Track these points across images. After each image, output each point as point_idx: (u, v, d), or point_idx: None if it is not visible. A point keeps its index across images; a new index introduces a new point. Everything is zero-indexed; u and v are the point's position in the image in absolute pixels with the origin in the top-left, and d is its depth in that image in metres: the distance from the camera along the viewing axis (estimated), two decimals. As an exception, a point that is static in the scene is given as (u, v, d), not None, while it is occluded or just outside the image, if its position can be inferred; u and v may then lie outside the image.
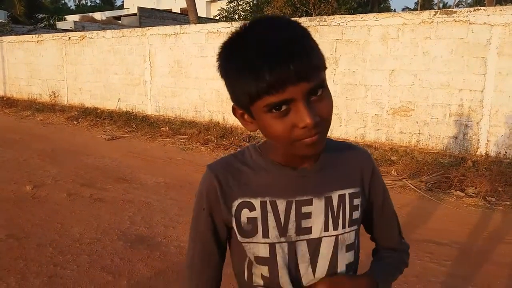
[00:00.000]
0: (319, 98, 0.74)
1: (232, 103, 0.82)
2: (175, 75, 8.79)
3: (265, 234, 0.84)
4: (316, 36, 6.21)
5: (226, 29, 7.70)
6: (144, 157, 6.61)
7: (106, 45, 10.15)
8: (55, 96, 11.89)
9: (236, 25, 7.49)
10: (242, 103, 0.78)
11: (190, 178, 5.40)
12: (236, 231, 0.87)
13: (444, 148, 5.93)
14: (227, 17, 12.13)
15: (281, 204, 0.84)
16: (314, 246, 0.86)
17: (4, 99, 13.45)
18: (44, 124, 9.75)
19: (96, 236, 3.52)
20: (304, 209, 0.85)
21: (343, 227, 0.87)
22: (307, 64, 0.70)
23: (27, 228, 3.65)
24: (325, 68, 0.75)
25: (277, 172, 0.86)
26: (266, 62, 0.69)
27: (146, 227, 3.77)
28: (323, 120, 0.74)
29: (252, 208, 0.85)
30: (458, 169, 5.29)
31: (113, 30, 10.41)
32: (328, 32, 6.57)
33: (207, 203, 0.89)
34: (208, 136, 7.74)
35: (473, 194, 4.75)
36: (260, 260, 0.86)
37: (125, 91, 9.91)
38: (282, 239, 0.84)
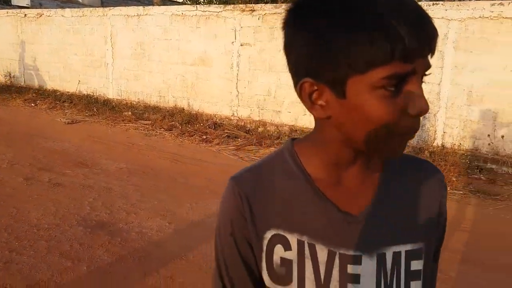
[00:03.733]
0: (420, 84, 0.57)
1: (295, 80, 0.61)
2: (138, 57, 8.58)
3: (301, 286, 0.63)
4: (265, 23, 6.23)
5: (191, 12, 7.57)
6: (106, 142, 6.46)
7: (65, 25, 9.73)
8: (10, 77, 11.31)
9: (201, 9, 7.39)
10: (338, 73, 0.55)
11: (153, 164, 5.34)
12: (266, 272, 0.66)
13: (403, 138, 6.13)
14: (192, 0, 11.90)
15: (322, 252, 0.63)
16: None
17: (-46, 78, 12.67)
18: (-2, 106, 9.29)
19: (55, 222, 3.43)
20: (351, 269, 0.62)
21: None
22: (437, 35, 0.56)
23: (-20, 214, 3.51)
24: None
25: (319, 203, 0.64)
26: (407, 22, 0.52)
27: (107, 212, 3.71)
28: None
29: (287, 246, 0.64)
30: (415, 159, 5.51)
31: (72, 9, 9.98)
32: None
33: (236, 224, 0.67)
34: (173, 122, 7.65)
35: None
36: None
37: (86, 73, 9.58)
38: None
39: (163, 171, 5.03)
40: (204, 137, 6.96)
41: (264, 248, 0.65)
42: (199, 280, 2.73)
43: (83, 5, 21.19)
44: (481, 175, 5.25)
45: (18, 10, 11.27)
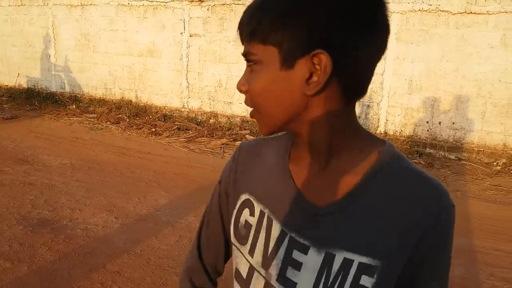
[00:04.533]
0: (251, 69, 0.61)
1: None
2: (82, 49, 8.24)
3: (251, 251, 0.67)
4: (231, 15, 6.22)
5: (138, 2, 7.35)
6: (48, 137, 6.17)
7: (2, 14, 9.14)
8: None
9: (148, -1, 7.20)
10: None
11: (99, 159, 5.18)
12: (232, 229, 0.71)
13: (349, 126, 6.34)
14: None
15: (276, 229, 0.65)
16: None
17: None
18: None
19: (-9, 222, 3.25)
20: (296, 255, 0.62)
21: None
22: (244, 23, 0.61)
23: None
24: (266, 41, 0.58)
25: (287, 184, 0.66)
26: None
27: (50, 210, 3.56)
28: (250, 95, 0.61)
29: (252, 212, 0.68)
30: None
31: (9, -3, 9.37)
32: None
33: (223, 177, 0.77)
34: (120, 115, 7.44)
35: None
36: (238, 277, 0.71)
37: (26, 66, 9.07)
38: (262, 271, 0.65)
39: (109, 166, 4.90)
40: (153, 129, 6.83)
41: (237, 207, 0.71)
42: (147, 274, 2.70)
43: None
44: (421, 159, 5.55)
45: None
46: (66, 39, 8.42)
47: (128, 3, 7.46)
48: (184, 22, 6.95)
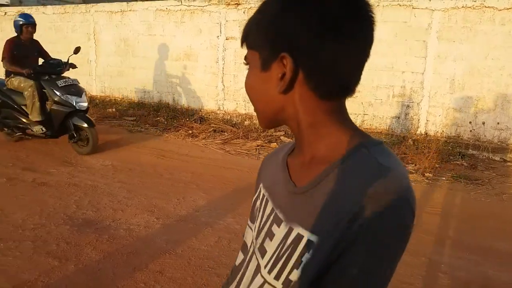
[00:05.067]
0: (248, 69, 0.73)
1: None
2: (122, 54, 8.48)
3: (255, 227, 0.78)
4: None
5: (175, 7, 7.50)
6: (91, 140, 6.38)
7: (47, 22, 9.55)
8: (-10, 76, 11.08)
9: (186, 3, 7.33)
10: None
11: (139, 161, 5.30)
12: (250, 213, 0.86)
13: (387, 127, 6.21)
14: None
15: (269, 207, 0.74)
16: (254, 276, 0.71)
17: None
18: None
19: (40, 222, 3.39)
20: (274, 228, 0.70)
21: (276, 277, 0.64)
22: (243, 32, 0.72)
23: (-37, 216, 3.45)
24: (252, 47, 0.69)
25: (282, 171, 0.76)
26: None
27: (94, 210, 3.68)
28: (246, 92, 0.73)
29: (261, 198, 0.80)
30: (400, 148, 5.58)
31: (54, 6, 9.80)
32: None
33: (258, 175, 0.89)
34: (158, 118, 7.60)
35: (413, 171, 5.04)
36: (243, 247, 0.82)
37: (69, 71, 9.43)
38: (255, 242, 0.75)
39: (149, 167, 5.00)
40: (190, 132, 6.94)
41: (255, 196, 0.83)
42: (188, 274, 2.73)
43: (64, 2, 20.83)
44: (463, 161, 5.35)
45: (-3, 8, 11.02)
46: (106, 45, 8.69)
47: (166, 8, 7.62)
48: (220, 26, 7.03)
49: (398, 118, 6.12)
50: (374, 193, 0.57)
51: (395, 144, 5.76)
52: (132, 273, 2.71)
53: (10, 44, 5.64)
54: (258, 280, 0.68)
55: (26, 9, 10.02)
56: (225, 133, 6.80)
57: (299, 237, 0.62)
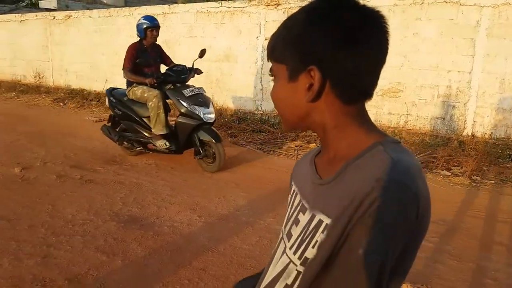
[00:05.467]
0: (274, 81, 0.80)
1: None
2: (163, 56, 8.67)
3: (284, 222, 0.88)
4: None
5: (216, 9, 7.59)
6: (134, 139, 6.56)
7: (93, 25, 9.94)
8: (40, 77, 11.65)
9: (226, 5, 7.40)
10: None
11: (181, 160, 5.39)
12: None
13: (432, 128, 6.01)
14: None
15: (297, 200, 0.84)
16: (280, 257, 0.81)
17: (-13, 80, 13.14)
18: (29, 106, 9.58)
19: (89, 217, 3.52)
20: (299, 215, 0.80)
21: (299, 257, 0.74)
22: (269, 47, 0.79)
23: (18, 210, 3.63)
24: (278, 60, 0.77)
25: (310, 168, 0.84)
26: None
27: (139, 207, 3.78)
28: (272, 101, 0.81)
29: (291, 193, 0.90)
30: (445, 149, 5.39)
31: (99, 10, 10.17)
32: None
33: (291, 175, 0.98)
34: (198, 118, 7.71)
35: (459, 173, 4.85)
36: (279, 238, 0.89)
37: (113, 72, 9.75)
38: (283, 230, 0.85)
39: (190, 166, 5.09)
40: (229, 132, 7.00)
41: (290, 193, 0.91)
42: (231, 272, 2.75)
43: (107, 6, 21.61)
44: (515, 164, 5.09)
45: (47, 13, 11.57)
46: (148, 47, 8.91)
47: (207, 10, 7.73)
48: (260, 26, 7.05)
49: (443, 119, 5.91)
50: (380, 181, 0.63)
51: (440, 145, 5.57)
52: (176, 270, 2.76)
53: (133, 51, 5.18)
54: (284, 259, 0.78)
55: (74, 13, 10.47)
56: (263, 133, 6.81)
57: (319, 222, 0.71)
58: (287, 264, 0.77)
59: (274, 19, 6.84)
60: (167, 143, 4.98)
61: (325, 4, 0.71)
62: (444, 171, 4.94)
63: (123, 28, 9.30)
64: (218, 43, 7.71)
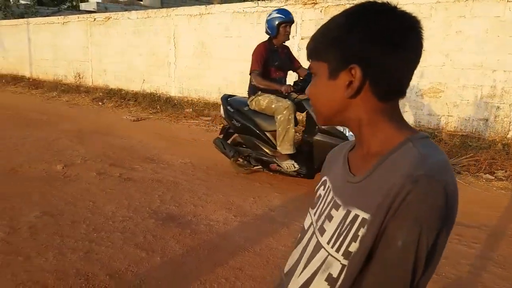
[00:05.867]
0: (312, 79, 0.86)
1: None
2: (199, 56, 8.78)
3: (315, 212, 0.91)
4: (327, 16, 6.08)
5: (252, 9, 7.61)
6: (169, 138, 6.68)
7: (131, 26, 10.18)
8: (80, 77, 12.07)
9: (262, 4, 7.40)
10: None
11: (216, 159, 5.43)
12: (313, 201, 0.99)
13: (474, 130, 5.78)
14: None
15: (330, 196, 0.88)
16: (315, 251, 0.84)
17: (30, 80, 13.74)
18: (70, 105, 9.94)
19: (128, 214, 3.60)
20: (332, 212, 0.84)
21: (337, 250, 0.77)
22: (308, 47, 0.85)
23: (61, 206, 3.76)
24: (319, 59, 0.82)
25: (343, 164, 0.90)
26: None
27: (176, 205, 3.83)
28: (309, 97, 0.86)
29: (324, 187, 0.94)
30: (488, 152, 5.17)
31: (138, 11, 10.41)
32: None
33: (322, 169, 1.03)
34: (232, 118, 7.75)
35: (503, 178, 4.65)
36: (302, 230, 0.95)
37: (150, 72, 9.97)
38: (314, 224, 0.89)
39: (225, 166, 5.11)
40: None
41: (318, 184, 0.97)
42: (267, 273, 2.74)
43: (144, 7, 22.13)
44: None
45: (88, 15, 11.96)
46: (185, 47, 9.05)
47: (243, 10, 7.75)
48: (296, 25, 7.00)
49: (486, 120, 5.67)
50: (412, 176, 0.68)
51: (482, 148, 5.34)
52: (214, 268, 2.77)
53: (263, 51, 4.36)
54: (322, 254, 0.81)
55: (113, 15, 10.76)
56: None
57: (355, 217, 0.76)
58: (325, 258, 0.80)
59: (311, 18, 6.77)
60: (296, 165, 4.24)
61: (366, 8, 0.78)
62: (487, 174, 4.75)
63: (160, 29, 9.48)
64: (254, 42, 7.69)
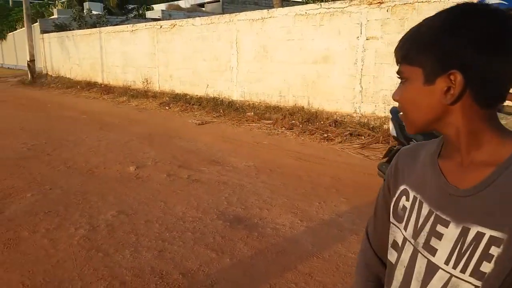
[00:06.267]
0: (402, 84, 0.82)
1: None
2: (261, 60, 8.87)
3: (405, 227, 0.87)
4: (413, 14, 5.86)
5: (314, 11, 7.56)
6: (233, 141, 6.81)
7: (195, 32, 10.52)
8: (147, 83, 12.66)
9: (325, 6, 7.33)
10: None
11: (278, 162, 5.45)
12: (391, 211, 0.93)
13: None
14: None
15: (425, 209, 0.83)
16: (430, 272, 0.80)
17: (102, 86, 14.64)
18: (139, 109, 10.46)
19: (197, 215, 3.70)
20: (439, 228, 0.79)
21: (463, 271, 0.73)
22: (397, 51, 0.82)
23: (135, 206, 3.96)
24: (413, 63, 0.78)
25: (435, 174, 0.83)
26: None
27: (242, 208, 3.88)
28: (400, 103, 0.82)
29: (408, 198, 0.88)
30: None
31: (202, 17, 10.74)
32: (427, 10, 6.14)
33: (386, 176, 0.98)
34: (293, 121, 7.75)
35: None
36: (394, 245, 0.91)
37: (213, 77, 10.23)
38: (412, 241, 0.84)
39: (288, 169, 5.11)
40: (325, 135, 6.91)
41: (396, 195, 0.91)
42: (338, 280, 2.69)
43: (206, 13, 22.79)
44: None
45: (154, 23, 12.53)
46: (246, 52, 9.19)
47: (305, 12, 7.72)
48: (361, 26, 6.85)
49: None
50: None
51: None
52: (282, 272, 2.77)
53: None
54: (441, 275, 0.76)
55: (178, 22, 11.18)
56: (362, 137, 6.60)
57: (479, 235, 0.71)
58: (448, 279, 0.76)
59: (377, 18, 6.59)
60: None
61: (464, 10, 0.74)
62: None
63: (223, 34, 9.70)
64: (316, 45, 7.66)
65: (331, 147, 6.38)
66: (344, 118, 7.34)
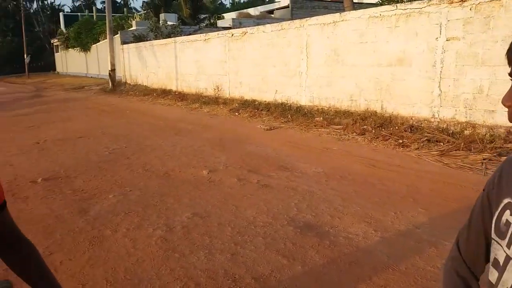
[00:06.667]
0: None
1: None
2: (331, 64, 8.73)
3: (509, 244, 0.79)
4: (501, 11, 5.42)
5: (389, 12, 7.29)
6: (301, 147, 6.75)
7: (265, 39, 10.64)
8: (218, 90, 13.02)
9: (401, 7, 7.05)
10: None
11: (349, 169, 5.30)
12: (493, 226, 0.85)
13: None
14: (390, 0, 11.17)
15: None
16: None
17: (176, 93, 15.32)
18: (210, 116, 10.78)
19: (268, 220, 3.71)
20: None
21: None
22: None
23: (208, 208, 4.06)
24: None
25: None
26: None
27: (312, 215, 3.82)
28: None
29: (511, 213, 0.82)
30: None
31: (272, 24, 10.84)
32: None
33: (487, 186, 0.91)
34: (365, 126, 7.51)
35: None
36: (495, 264, 0.84)
37: (281, 83, 10.26)
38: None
39: (360, 176, 4.95)
40: (400, 141, 6.61)
41: (499, 209, 0.83)
42: (416, 295, 2.53)
43: (276, 19, 23.00)
44: None
45: (226, 31, 12.89)
46: (316, 56, 9.10)
47: (380, 14, 7.48)
48: (440, 26, 6.48)
49: None
50: None
51: None
52: (356, 283, 2.67)
53: None
54: None
55: (249, 30, 11.38)
56: (441, 143, 6.21)
57: None
58: None
59: (458, 17, 6.19)
60: None
61: None
62: None
63: (293, 40, 9.70)
64: (390, 47, 7.37)
65: (407, 153, 6.07)
66: (421, 123, 6.97)
